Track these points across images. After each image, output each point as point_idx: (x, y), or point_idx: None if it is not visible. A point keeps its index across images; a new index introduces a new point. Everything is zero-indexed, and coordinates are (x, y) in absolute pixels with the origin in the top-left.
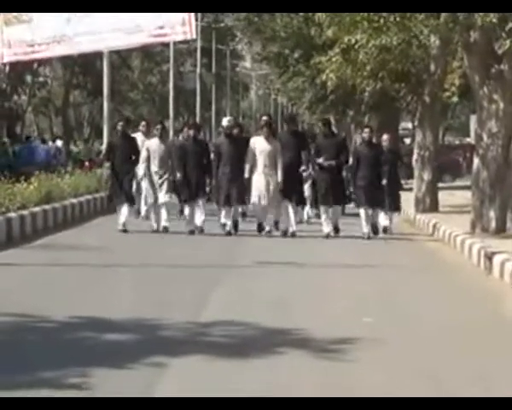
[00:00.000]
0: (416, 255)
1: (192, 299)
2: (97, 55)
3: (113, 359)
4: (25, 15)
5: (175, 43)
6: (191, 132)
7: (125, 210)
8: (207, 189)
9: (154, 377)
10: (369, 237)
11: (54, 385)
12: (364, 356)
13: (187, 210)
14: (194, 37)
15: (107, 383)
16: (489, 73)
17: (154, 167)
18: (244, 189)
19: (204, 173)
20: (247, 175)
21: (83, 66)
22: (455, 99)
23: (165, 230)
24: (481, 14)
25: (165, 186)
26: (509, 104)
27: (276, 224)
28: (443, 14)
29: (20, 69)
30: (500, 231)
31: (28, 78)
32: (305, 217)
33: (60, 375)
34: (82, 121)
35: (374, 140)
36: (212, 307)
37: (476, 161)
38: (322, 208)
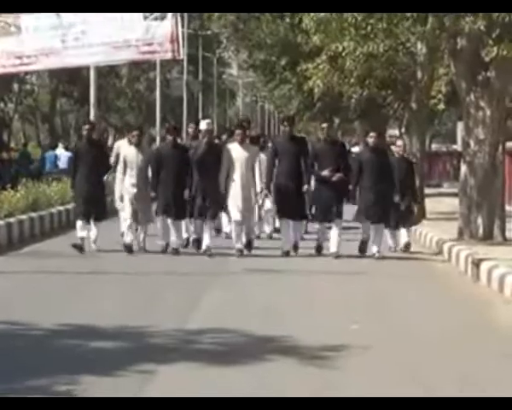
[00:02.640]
0: (403, 262)
1: (181, 306)
2: None
3: (102, 366)
4: (13, 27)
5: None
6: (170, 137)
7: (81, 225)
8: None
9: (143, 385)
10: (378, 256)
11: (42, 393)
12: (353, 363)
13: (159, 223)
14: (182, 57)
15: (95, 390)
16: (476, 80)
17: (132, 179)
18: (221, 202)
19: (183, 187)
20: (222, 187)
21: (70, 74)
22: (441, 106)
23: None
24: (469, 20)
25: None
26: (496, 111)
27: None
28: (430, 21)
29: (7, 77)
30: (487, 237)
31: (15, 85)
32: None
33: (48, 382)
34: (68, 129)
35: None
36: (201, 313)
37: (463, 167)
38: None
